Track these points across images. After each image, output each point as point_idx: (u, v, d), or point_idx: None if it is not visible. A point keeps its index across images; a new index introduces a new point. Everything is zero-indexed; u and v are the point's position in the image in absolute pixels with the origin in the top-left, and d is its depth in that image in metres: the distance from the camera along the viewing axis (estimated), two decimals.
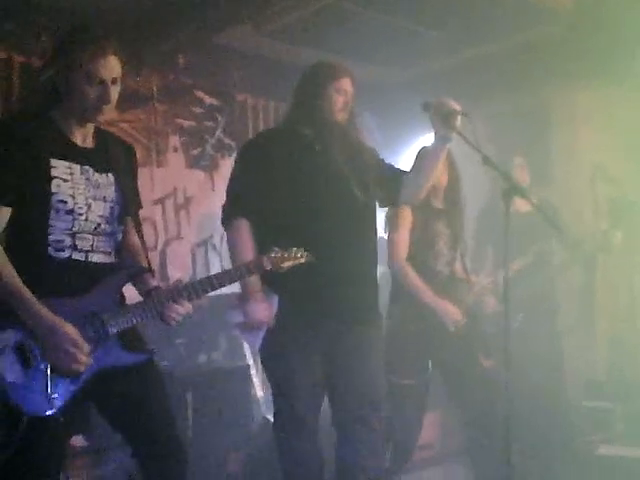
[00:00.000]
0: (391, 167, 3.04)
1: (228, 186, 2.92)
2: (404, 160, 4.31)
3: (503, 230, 2.41)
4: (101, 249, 2.30)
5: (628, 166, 4.91)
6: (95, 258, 2.28)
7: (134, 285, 2.39)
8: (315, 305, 2.77)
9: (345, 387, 2.84)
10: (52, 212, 2.19)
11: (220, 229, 3.01)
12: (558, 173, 5.25)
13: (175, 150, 4.88)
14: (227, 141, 5.06)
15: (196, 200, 4.94)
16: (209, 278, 2.36)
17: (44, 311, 2.10)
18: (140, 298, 2.36)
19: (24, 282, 2.11)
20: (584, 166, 5.11)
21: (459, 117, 2.64)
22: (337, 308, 2.80)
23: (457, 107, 2.65)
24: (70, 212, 2.21)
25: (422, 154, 2.90)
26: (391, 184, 2.96)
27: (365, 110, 5.75)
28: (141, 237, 2.50)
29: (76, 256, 2.24)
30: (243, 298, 2.74)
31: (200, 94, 5.00)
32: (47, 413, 2.11)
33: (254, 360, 4.25)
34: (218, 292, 2.40)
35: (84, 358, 2.14)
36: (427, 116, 2.71)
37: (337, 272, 2.75)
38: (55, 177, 2.19)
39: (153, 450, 2.31)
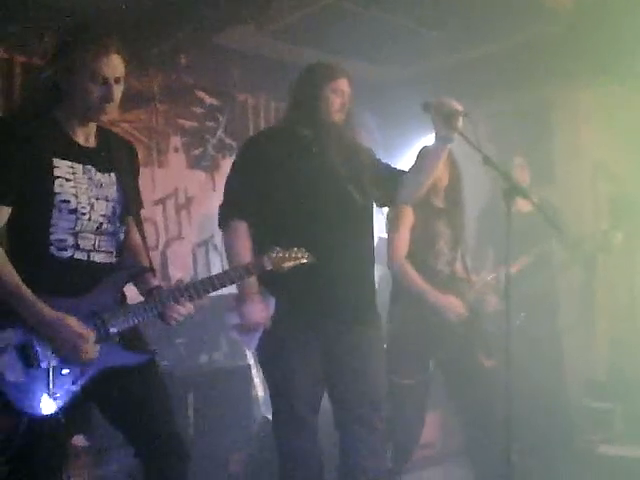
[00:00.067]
0: (388, 167, 3.03)
1: (225, 187, 2.92)
2: (404, 160, 4.32)
3: (504, 230, 2.41)
4: (103, 249, 2.30)
5: (629, 165, 4.91)
6: (97, 258, 2.29)
7: (135, 285, 2.39)
8: (313, 306, 2.77)
9: (345, 387, 2.84)
10: (55, 211, 2.19)
11: None
12: (559, 173, 5.25)
13: (176, 150, 4.88)
14: (228, 141, 5.06)
15: (197, 200, 4.94)
16: (210, 278, 2.37)
17: (45, 309, 2.11)
18: (141, 298, 2.36)
19: (25, 281, 2.11)
20: (585, 166, 5.12)
21: (461, 117, 2.64)
22: (335, 308, 2.80)
23: (459, 107, 2.64)
24: (73, 211, 2.21)
25: (423, 153, 2.90)
26: (388, 184, 2.95)
27: (365, 110, 5.77)
28: (143, 237, 2.51)
29: (78, 255, 2.24)
30: (240, 299, 2.73)
31: (201, 94, 5.00)
32: (48, 413, 2.11)
33: (255, 360, 4.25)
34: (219, 292, 2.41)
35: (91, 347, 2.15)
36: (428, 116, 2.70)
37: (335, 273, 2.75)
38: (58, 177, 2.20)
39: (155, 450, 2.31)
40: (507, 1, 4.16)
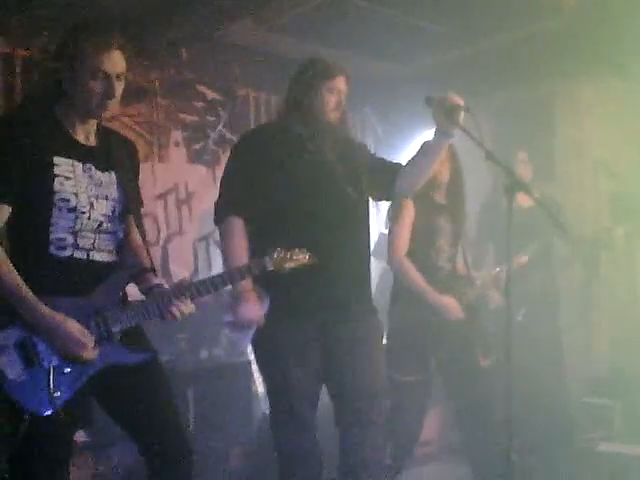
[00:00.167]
0: (383, 161, 3.02)
1: (221, 183, 2.91)
2: (406, 155, 4.31)
3: (505, 225, 2.40)
4: (103, 247, 2.30)
5: (630, 163, 4.90)
6: (97, 257, 2.28)
7: (136, 284, 2.39)
8: (310, 302, 2.77)
9: (343, 381, 2.83)
10: (54, 210, 2.18)
11: None
12: (560, 170, 5.24)
13: (177, 145, 4.87)
14: (229, 136, 5.05)
15: (198, 195, 4.93)
16: (211, 278, 2.37)
17: (45, 311, 2.11)
18: (142, 296, 2.36)
19: (26, 281, 2.11)
20: (586, 163, 5.11)
21: (462, 112, 2.62)
22: (334, 305, 2.80)
23: (460, 102, 2.62)
24: (73, 210, 2.21)
25: (424, 147, 2.88)
26: (384, 178, 2.93)
27: (367, 105, 5.77)
28: (143, 235, 2.50)
29: (78, 255, 2.24)
30: (234, 298, 2.73)
31: (202, 89, 4.99)
32: (49, 412, 2.11)
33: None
34: None
35: (91, 349, 2.15)
36: (429, 111, 2.69)
37: (330, 269, 2.73)
38: (58, 175, 2.19)
39: (159, 447, 2.32)
40: None
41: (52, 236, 2.19)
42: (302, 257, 2.52)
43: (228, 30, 4.52)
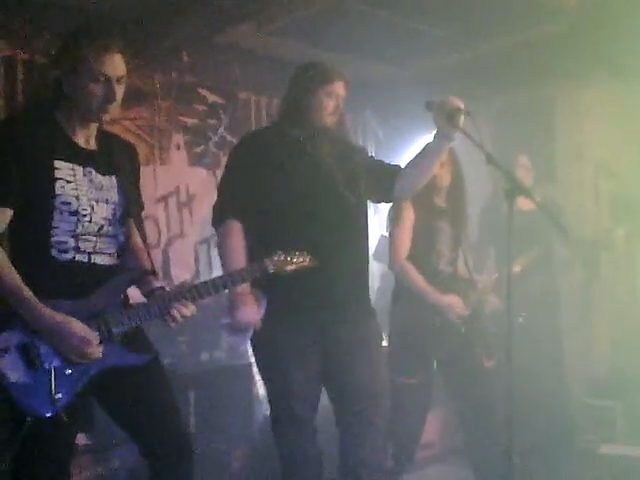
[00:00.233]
0: (382, 164, 3.02)
1: (219, 186, 2.92)
2: (406, 158, 4.31)
3: (505, 229, 2.40)
4: (104, 251, 2.30)
5: (631, 164, 4.90)
6: (98, 260, 2.29)
7: (138, 287, 2.39)
8: (308, 304, 2.77)
9: (343, 383, 2.84)
10: (56, 213, 2.19)
11: None
12: (561, 171, 5.24)
13: (178, 148, 4.88)
14: (230, 139, 5.05)
15: (199, 198, 4.94)
16: (212, 280, 2.37)
17: (47, 312, 2.11)
18: (143, 299, 2.36)
19: (27, 284, 2.11)
20: (587, 164, 5.11)
21: (462, 116, 2.63)
22: (331, 306, 2.80)
23: (461, 105, 2.62)
24: (74, 213, 2.21)
25: (425, 149, 2.88)
26: (383, 180, 2.94)
27: (367, 108, 5.78)
28: (144, 238, 2.51)
29: (79, 258, 2.24)
30: (231, 300, 2.73)
31: (203, 92, 5.00)
32: (51, 413, 2.12)
33: None
34: None
35: (95, 349, 2.15)
36: (430, 115, 2.70)
37: (329, 271, 2.73)
38: (58, 178, 2.19)
39: (160, 449, 2.33)
40: (509, 0, 4.15)
41: (53, 239, 2.20)
42: (303, 260, 2.53)
43: (229, 33, 4.53)
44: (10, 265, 2.12)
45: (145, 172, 2.64)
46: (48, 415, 2.11)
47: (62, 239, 2.21)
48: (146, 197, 2.58)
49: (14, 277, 2.11)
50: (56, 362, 2.14)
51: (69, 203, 2.20)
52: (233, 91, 5.14)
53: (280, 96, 3.01)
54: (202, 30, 4.36)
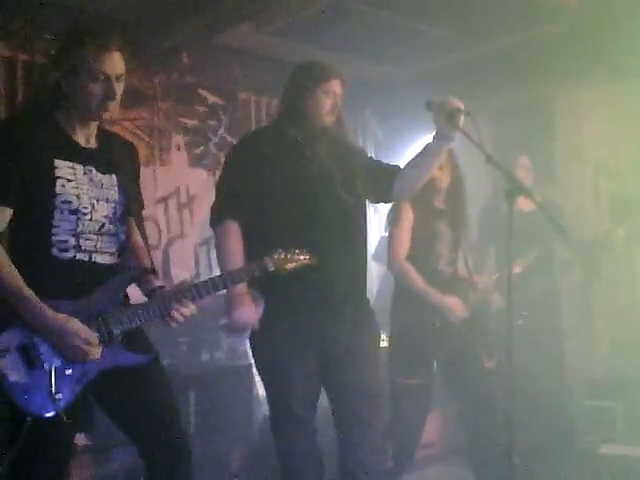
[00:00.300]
0: (381, 164, 3.02)
1: (217, 187, 2.92)
2: (405, 158, 4.31)
3: (505, 230, 2.40)
4: (105, 250, 2.30)
5: (631, 164, 4.90)
6: (99, 259, 2.29)
7: (138, 285, 2.39)
8: (307, 304, 2.76)
9: (342, 383, 2.84)
10: (56, 212, 2.19)
11: None
12: (560, 172, 5.24)
13: (178, 149, 4.88)
14: (230, 140, 5.05)
15: (199, 199, 4.94)
16: (212, 279, 2.37)
17: (48, 312, 2.11)
18: (144, 298, 2.36)
19: (28, 283, 2.11)
20: (586, 165, 5.11)
21: (462, 116, 2.63)
22: (329, 306, 2.80)
23: (460, 105, 2.62)
24: (75, 212, 2.21)
25: (425, 149, 2.88)
26: (381, 180, 2.93)
27: (366, 108, 5.78)
28: (144, 237, 2.51)
29: (80, 256, 2.24)
30: (229, 301, 2.72)
31: (203, 93, 5.01)
32: (51, 414, 2.11)
33: None
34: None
35: (95, 349, 2.15)
36: (430, 115, 2.69)
37: (327, 271, 2.73)
38: (59, 177, 2.19)
39: (159, 450, 2.32)
40: (508, 0, 4.15)
41: (54, 238, 2.20)
42: (302, 257, 2.53)
43: (229, 34, 4.53)
44: (10, 264, 2.12)
45: (145, 173, 2.64)
46: (48, 415, 2.11)
47: (63, 238, 2.21)
48: (146, 198, 2.57)
49: (14, 276, 2.11)
50: (56, 362, 2.14)
51: (70, 202, 2.20)
52: (233, 91, 5.14)
53: (280, 96, 3.01)
54: (202, 30, 4.37)
